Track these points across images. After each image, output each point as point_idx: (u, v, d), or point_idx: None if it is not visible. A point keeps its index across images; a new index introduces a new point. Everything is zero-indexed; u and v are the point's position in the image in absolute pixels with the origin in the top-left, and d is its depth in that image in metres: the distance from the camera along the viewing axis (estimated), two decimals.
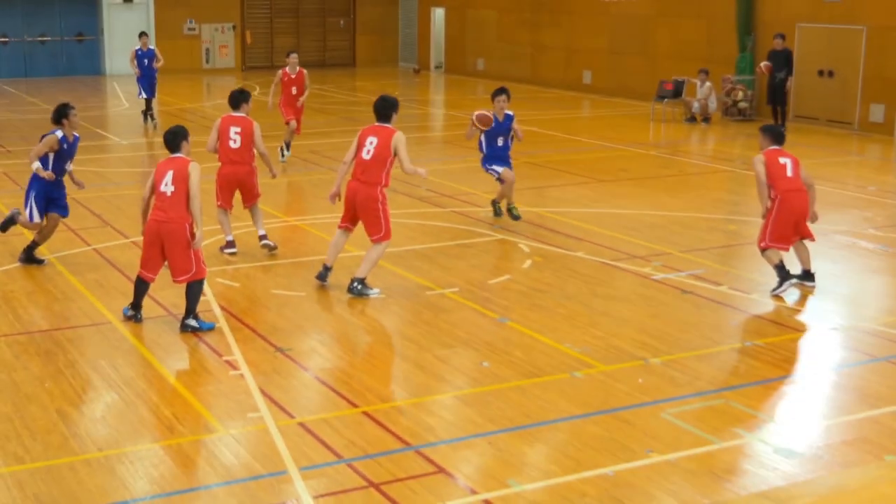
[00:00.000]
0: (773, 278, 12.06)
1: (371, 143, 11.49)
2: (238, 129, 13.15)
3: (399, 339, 10.83)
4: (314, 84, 36.43)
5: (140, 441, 8.32)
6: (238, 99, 13.37)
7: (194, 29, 39.24)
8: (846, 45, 24.99)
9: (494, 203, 15.56)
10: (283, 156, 20.08)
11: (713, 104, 26.48)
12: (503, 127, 14.95)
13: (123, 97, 32.49)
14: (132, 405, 9.00)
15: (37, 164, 12.50)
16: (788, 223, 11.77)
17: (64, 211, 13.08)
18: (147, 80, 24.55)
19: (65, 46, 38.60)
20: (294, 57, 20.47)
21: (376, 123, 11.76)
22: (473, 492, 7.47)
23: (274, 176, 13.97)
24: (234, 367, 9.82)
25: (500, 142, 15.06)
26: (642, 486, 7.55)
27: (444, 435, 8.43)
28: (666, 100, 27.12)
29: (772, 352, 10.43)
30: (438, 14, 39.97)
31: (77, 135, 12.99)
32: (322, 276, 12.03)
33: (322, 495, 7.40)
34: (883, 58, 24.19)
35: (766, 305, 11.64)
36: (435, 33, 40.16)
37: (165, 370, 9.86)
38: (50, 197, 12.82)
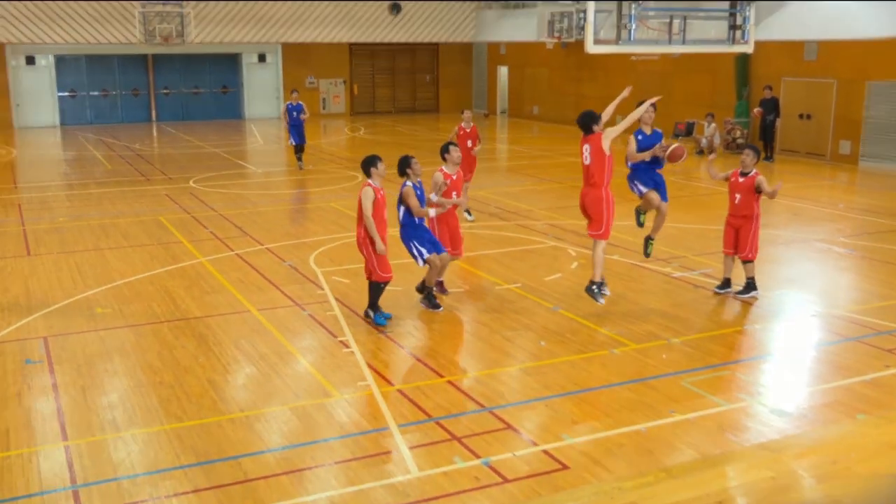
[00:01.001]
0: (763, 278, 11.91)
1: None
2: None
3: (475, 324, 10.75)
4: (406, 126, 37.28)
5: (273, 404, 8.32)
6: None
7: (314, 83, 39.51)
8: (821, 94, 24.68)
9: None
10: (470, 216, 16.40)
11: (717, 140, 26.17)
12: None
13: (259, 136, 32.82)
14: (267, 376, 9.01)
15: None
16: None
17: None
18: (296, 129, 23.10)
19: (213, 97, 39.12)
20: (468, 113, 17.23)
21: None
22: (535, 444, 7.44)
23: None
24: (347, 346, 9.80)
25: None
26: (667, 439, 7.48)
27: (511, 399, 8.38)
28: (680, 137, 27.06)
29: (767, 333, 10.26)
30: (503, 71, 39.86)
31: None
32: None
33: (416, 446, 7.40)
34: (849, 104, 23.95)
35: (762, 298, 11.41)
36: (500, 86, 40.04)
37: (293, 348, 9.85)
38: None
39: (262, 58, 38.75)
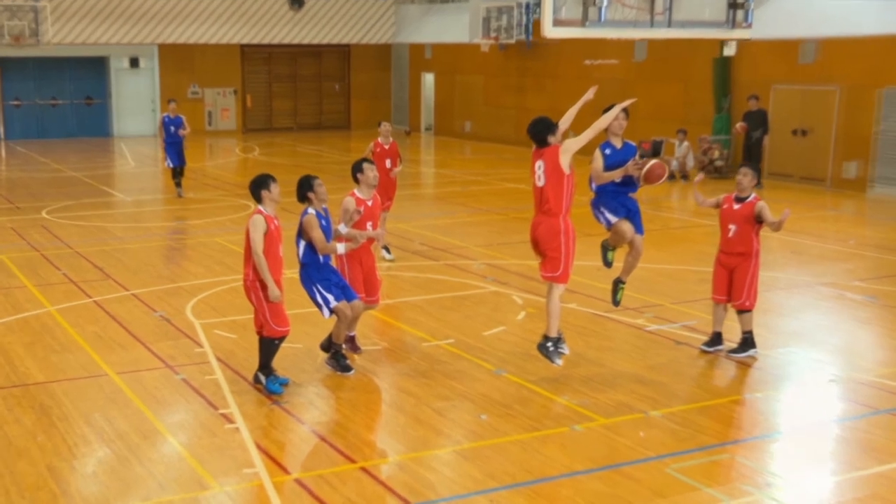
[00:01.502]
0: (763, 332, 11.42)
1: None
2: None
3: (396, 392, 10.09)
4: (310, 145, 36.55)
5: (130, 499, 7.65)
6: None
7: (198, 93, 38.73)
8: (820, 105, 24.54)
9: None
10: (388, 254, 15.89)
11: (691, 162, 26.07)
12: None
13: (130, 157, 32.12)
14: (125, 461, 8.33)
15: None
16: None
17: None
18: (174, 147, 22.43)
19: (74, 109, 37.99)
20: (386, 126, 16.50)
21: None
22: None
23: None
24: (230, 421, 9.16)
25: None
26: None
27: (444, 492, 7.74)
28: (644, 158, 26.73)
29: (773, 404, 9.73)
30: (428, 79, 39.55)
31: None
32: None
33: None
34: (856, 116, 23.71)
35: (762, 357, 10.89)
36: (425, 97, 39.71)
37: (160, 424, 9.16)
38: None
39: (134, 62, 37.93)
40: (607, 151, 10.63)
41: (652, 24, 11.56)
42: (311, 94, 41.07)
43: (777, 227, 10.53)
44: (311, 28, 39.35)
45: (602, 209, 10.83)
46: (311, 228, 9.95)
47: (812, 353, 11.30)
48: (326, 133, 39.69)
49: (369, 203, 10.77)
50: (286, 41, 39.16)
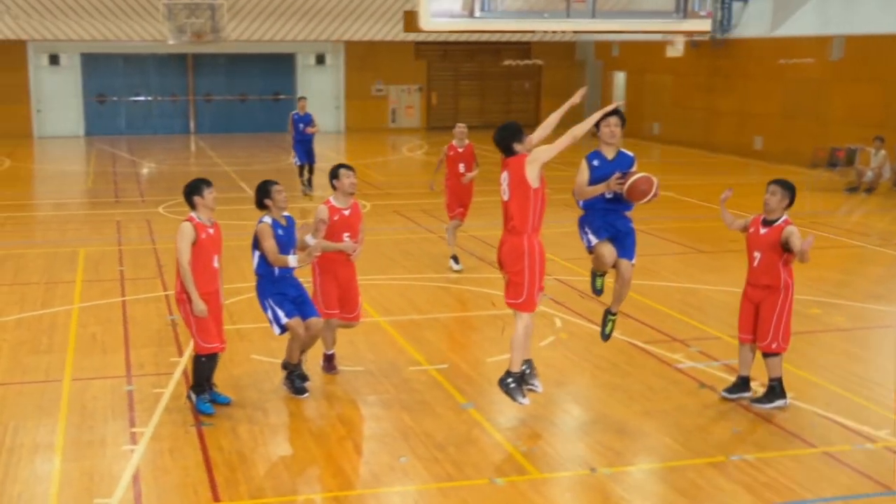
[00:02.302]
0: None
1: None
2: None
3: (332, 423, 9.00)
4: (491, 145, 34.90)
5: None
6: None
7: (382, 90, 38.57)
8: None
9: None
10: (457, 264, 14.77)
11: (887, 174, 23.38)
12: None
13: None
14: None
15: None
16: None
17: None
18: (303, 144, 22.22)
19: (262, 105, 38.67)
20: (461, 127, 15.16)
21: None
22: None
23: None
24: (135, 442, 8.45)
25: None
26: None
27: None
28: (838, 167, 24.29)
29: (756, 472, 7.94)
30: (619, 78, 37.79)
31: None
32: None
33: None
34: None
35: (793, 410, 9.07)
36: (617, 98, 37.98)
37: (62, 439, 8.52)
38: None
39: (320, 59, 38.21)
40: (595, 163, 9.03)
41: (568, 13, 9.73)
42: (498, 93, 40.19)
43: (802, 256, 8.71)
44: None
45: (586, 228, 9.23)
46: (263, 238, 9.10)
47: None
48: None
49: (346, 213, 9.74)
50: (463, 39, 38.28)
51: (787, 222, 8.97)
